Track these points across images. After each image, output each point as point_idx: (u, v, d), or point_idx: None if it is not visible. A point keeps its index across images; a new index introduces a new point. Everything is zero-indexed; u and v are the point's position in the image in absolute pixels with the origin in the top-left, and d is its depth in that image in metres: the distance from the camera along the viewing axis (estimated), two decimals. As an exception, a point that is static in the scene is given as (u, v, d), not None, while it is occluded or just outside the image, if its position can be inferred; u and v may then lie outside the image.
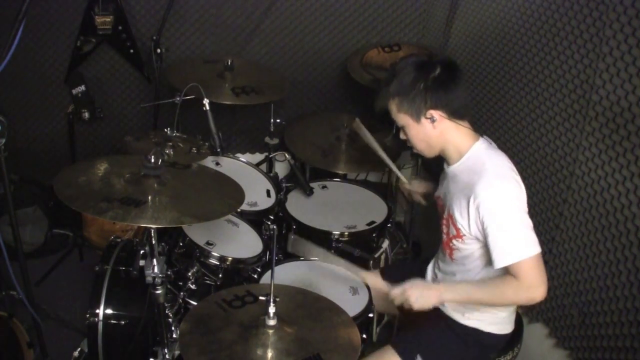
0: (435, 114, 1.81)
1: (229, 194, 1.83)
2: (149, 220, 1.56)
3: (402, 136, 1.93)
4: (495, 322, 1.95)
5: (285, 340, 1.58)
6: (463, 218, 1.81)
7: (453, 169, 1.89)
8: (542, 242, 2.26)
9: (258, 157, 3.31)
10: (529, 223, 1.76)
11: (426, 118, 1.81)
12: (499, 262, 1.74)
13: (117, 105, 3.18)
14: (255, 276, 2.20)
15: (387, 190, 3.13)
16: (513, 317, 2.01)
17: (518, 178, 1.82)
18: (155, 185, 1.67)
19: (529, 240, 1.73)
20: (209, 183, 1.89)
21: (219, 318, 1.68)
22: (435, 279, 2.09)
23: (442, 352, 1.95)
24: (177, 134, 2.49)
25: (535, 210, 2.30)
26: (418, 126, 1.84)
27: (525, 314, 2.37)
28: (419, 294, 1.82)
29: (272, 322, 1.58)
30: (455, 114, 1.83)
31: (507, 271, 1.76)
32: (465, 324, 1.94)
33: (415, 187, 2.34)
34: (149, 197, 1.62)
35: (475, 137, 1.86)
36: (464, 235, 1.83)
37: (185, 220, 1.65)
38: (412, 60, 1.84)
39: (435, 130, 1.83)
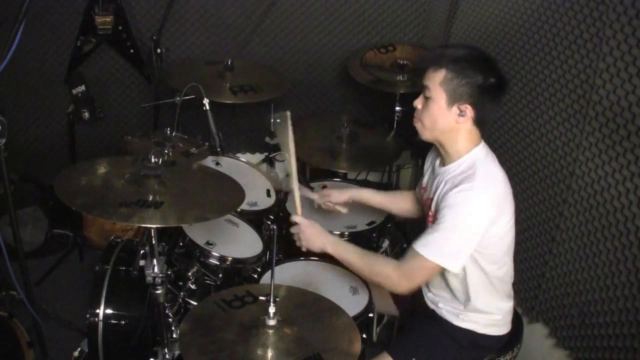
0: (469, 111, 1.77)
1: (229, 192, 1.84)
2: (176, 219, 1.60)
3: (417, 103, 1.86)
4: (490, 324, 1.94)
5: (286, 340, 1.58)
6: None
7: (447, 169, 1.87)
8: (542, 242, 2.27)
9: (258, 157, 3.31)
10: (466, 244, 1.74)
11: (458, 108, 1.77)
12: (418, 245, 1.76)
13: (117, 105, 3.18)
14: (255, 276, 2.20)
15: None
16: (509, 318, 2.00)
17: (501, 199, 1.79)
18: (156, 185, 1.67)
19: (452, 252, 1.74)
20: (209, 179, 1.91)
21: (219, 318, 1.67)
22: (428, 283, 2.08)
23: (438, 355, 1.94)
24: (177, 134, 2.49)
25: (535, 210, 2.30)
26: (444, 109, 1.79)
27: (525, 314, 2.37)
28: (308, 236, 1.96)
29: (272, 322, 1.58)
30: (481, 122, 1.81)
31: (409, 254, 1.79)
32: (460, 326, 1.93)
33: (335, 197, 2.29)
34: (158, 197, 1.63)
35: (478, 143, 1.85)
36: None
37: (209, 215, 1.67)
38: (485, 54, 1.81)
39: (455, 124, 1.80)
